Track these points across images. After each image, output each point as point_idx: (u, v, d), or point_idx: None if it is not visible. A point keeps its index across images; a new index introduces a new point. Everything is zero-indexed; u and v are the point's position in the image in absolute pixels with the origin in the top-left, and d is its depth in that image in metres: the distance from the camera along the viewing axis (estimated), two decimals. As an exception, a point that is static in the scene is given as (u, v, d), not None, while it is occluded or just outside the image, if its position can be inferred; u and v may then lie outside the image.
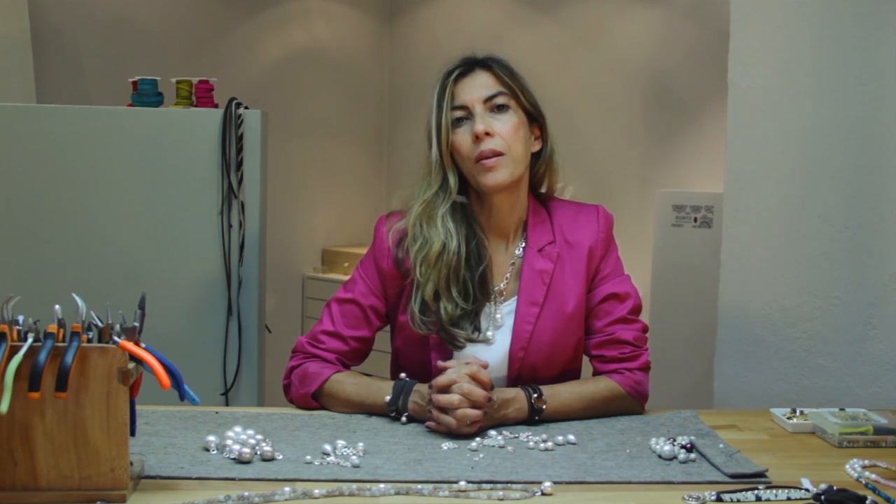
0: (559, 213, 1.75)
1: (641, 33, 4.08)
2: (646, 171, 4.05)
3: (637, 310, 1.73)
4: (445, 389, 1.50)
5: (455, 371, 1.51)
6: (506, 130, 1.64)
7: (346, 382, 1.64)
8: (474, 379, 1.50)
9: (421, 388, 1.58)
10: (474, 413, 1.48)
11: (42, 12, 3.49)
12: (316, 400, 1.66)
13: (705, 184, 3.80)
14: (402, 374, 1.63)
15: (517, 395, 1.59)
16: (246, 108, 2.65)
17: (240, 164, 2.62)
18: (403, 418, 1.56)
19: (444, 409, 1.49)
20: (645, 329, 1.72)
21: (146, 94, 2.69)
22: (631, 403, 1.67)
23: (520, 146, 1.65)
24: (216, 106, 2.69)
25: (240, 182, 2.62)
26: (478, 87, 1.66)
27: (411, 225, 1.68)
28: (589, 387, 1.66)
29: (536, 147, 1.72)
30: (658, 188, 3.75)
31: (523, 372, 1.67)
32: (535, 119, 1.71)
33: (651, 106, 4.06)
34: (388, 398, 1.58)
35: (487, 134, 1.62)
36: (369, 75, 5.02)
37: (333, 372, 1.66)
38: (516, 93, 1.67)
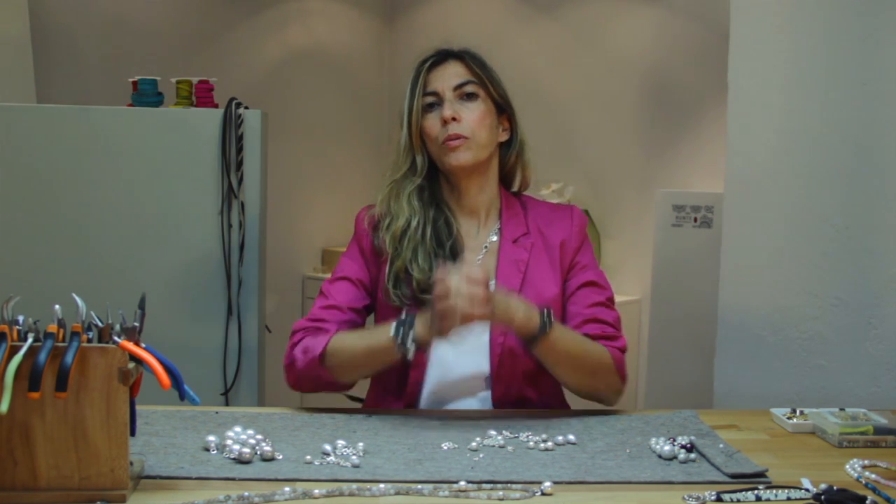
0: (533, 210, 1.82)
1: (641, 33, 4.07)
2: (646, 171, 4.04)
3: (612, 301, 1.78)
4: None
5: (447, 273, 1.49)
6: (473, 117, 1.71)
7: (348, 335, 1.68)
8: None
9: (423, 313, 1.56)
10: (481, 290, 1.46)
11: (42, 12, 3.49)
12: (323, 364, 1.64)
13: (705, 184, 3.79)
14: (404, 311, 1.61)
15: (531, 304, 1.58)
16: (246, 108, 2.65)
17: (240, 164, 2.62)
18: (410, 343, 1.53)
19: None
20: (619, 319, 1.76)
21: (146, 94, 2.69)
22: (614, 379, 1.69)
23: (484, 133, 1.72)
24: (216, 106, 2.69)
25: (240, 182, 2.62)
26: (449, 75, 1.74)
27: (379, 203, 1.75)
28: (588, 342, 1.68)
29: (504, 137, 1.80)
30: (658, 188, 3.74)
31: (504, 359, 1.68)
32: (503, 110, 1.79)
33: (651, 106, 4.05)
34: (391, 332, 1.55)
35: (454, 119, 1.70)
36: (369, 75, 5.02)
37: (335, 332, 1.68)
38: (486, 83, 1.75)
